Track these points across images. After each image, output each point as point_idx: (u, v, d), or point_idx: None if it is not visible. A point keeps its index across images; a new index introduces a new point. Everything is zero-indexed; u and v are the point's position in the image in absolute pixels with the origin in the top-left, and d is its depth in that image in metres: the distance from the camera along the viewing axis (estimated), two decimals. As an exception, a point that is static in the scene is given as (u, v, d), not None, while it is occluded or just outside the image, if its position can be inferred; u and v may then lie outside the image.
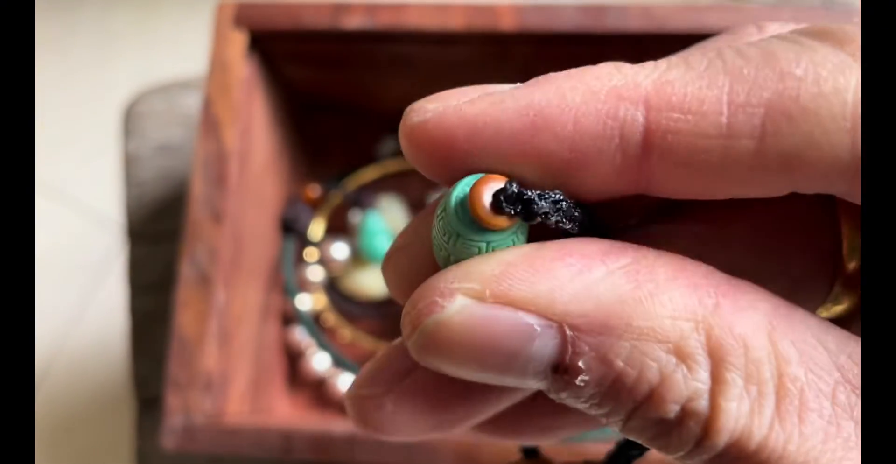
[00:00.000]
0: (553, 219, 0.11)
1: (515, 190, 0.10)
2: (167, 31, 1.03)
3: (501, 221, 0.10)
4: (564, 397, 0.10)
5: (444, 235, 0.11)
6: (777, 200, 0.11)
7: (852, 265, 0.12)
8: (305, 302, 0.35)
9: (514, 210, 0.10)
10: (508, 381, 0.10)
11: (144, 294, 0.41)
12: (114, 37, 1.03)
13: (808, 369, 0.10)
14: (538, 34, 0.29)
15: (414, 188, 0.38)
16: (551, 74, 0.11)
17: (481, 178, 0.11)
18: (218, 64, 0.30)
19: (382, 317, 0.36)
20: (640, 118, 0.10)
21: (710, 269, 0.10)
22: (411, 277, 0.12)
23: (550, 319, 0.10)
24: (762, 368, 0.10)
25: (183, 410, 0.28)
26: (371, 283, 0.36)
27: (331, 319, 0.36)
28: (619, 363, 0.10)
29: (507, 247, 0.11)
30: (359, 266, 0.35)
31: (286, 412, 0.36)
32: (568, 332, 0.10)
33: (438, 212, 0.11)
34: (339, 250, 0.35)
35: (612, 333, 0.10)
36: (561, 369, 0.10)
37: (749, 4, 0.30)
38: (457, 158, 0.11)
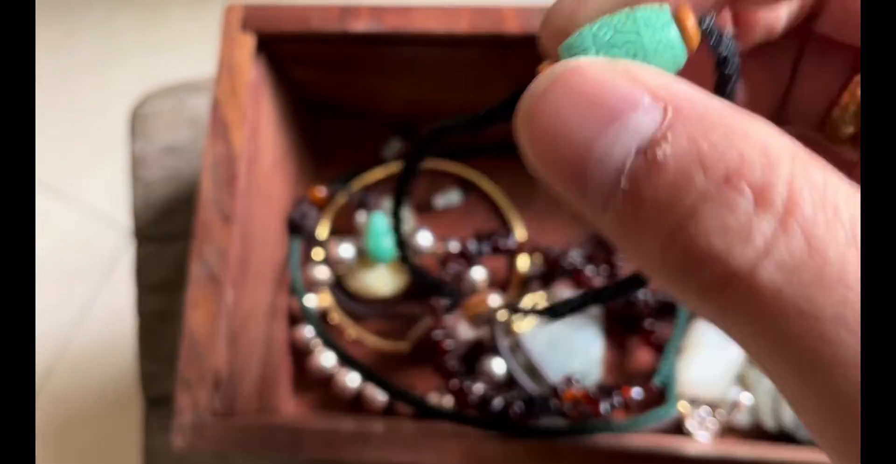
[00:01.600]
0: (730, 61, 0.12)
1: (714, 24, 0.12)
2: (172, 33, 1.04)
3: (696, 42, 0.12)
4: (638, 185, 0.11)
5: (618, 32, 0.12)
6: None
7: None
8: (312, 301, 0.36)
9: (712, 38, 0.12)
10: (597, 145, 0.11)
11: (151, 294, 0.42)
12: (119, 39, 1.04)
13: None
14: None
15: (419, 190, 0.38)
16: None
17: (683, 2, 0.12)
18: (226, 66, 0.30)
19: (388, 316, 0.37)
20: None
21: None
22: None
23: (660, 99, 0.11)
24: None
25: (193, 408, 0.28)
26: (377, 282, 0.36)
27: (337, 317, 0.36)
28: (705, 145, 0.11)
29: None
30: (365, 266, 0.36)
31: (294, 410, 0.37)
32: (670, 112, 0.11)
33: (616, 17, 0.12)
34: (345, 250, 0.35)
35: (707, 121, 0.11)
36: (652, 143, 0.11)
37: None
38: None
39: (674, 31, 0.12)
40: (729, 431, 0.34)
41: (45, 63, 1.00)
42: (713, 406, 0.34)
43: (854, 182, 0.11)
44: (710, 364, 0.34)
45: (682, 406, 0.34)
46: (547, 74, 0.12)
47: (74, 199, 0.92)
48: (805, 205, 0.10)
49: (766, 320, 0.11)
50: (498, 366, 0.34)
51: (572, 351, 0.34)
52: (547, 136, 0.11)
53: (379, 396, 0.34)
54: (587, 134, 0.11)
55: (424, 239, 0.35)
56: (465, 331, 0.34)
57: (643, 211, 0.11)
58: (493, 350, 0.34)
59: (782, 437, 0.33)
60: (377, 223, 0.35)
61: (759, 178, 0.10)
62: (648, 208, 0.11)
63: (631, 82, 0.11)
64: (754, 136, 0.11)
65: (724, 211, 0.10)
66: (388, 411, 0.35)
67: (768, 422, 0.33)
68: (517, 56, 0.31)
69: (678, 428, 0.34)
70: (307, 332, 0.35)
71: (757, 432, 0.34)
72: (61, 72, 1.01)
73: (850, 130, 0.16)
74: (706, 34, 0.12)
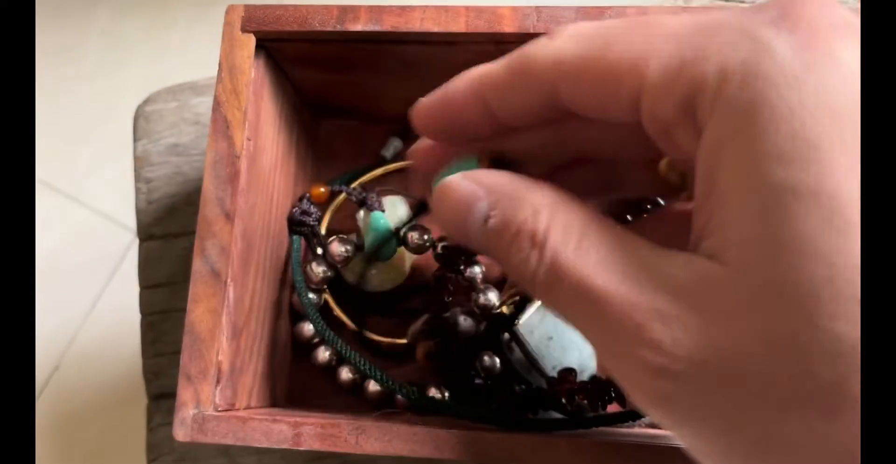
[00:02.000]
0: (504, 161, 0.22)
1: (496, 160, 0.22)
2: (179, 35, 1.05)
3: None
4: (486, 237, 0.19)
5: (459, 168, 0.22)
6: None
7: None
8: (313, 297, 0.36)
9: (498, 167, 0.22)
10: (466, 222, 0.20)
11: (154, 292, 0.42)
12: (126, 42, 1.05)
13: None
14: (538, 35, 0.30)
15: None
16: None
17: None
18: (227, 66, 0.31)
19: (385, 311, 0.37)
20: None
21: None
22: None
23: (488, 189, 0.19)
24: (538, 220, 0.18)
25: (194, 402, 0.28)
26: (375, 279, 0.36)
27: (336, 313, 0.37)
28: (506, 213, 0.19)
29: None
30: (363, 262, 0.36)
31: (296, 403, 0.37)
32: (493, 197, 0.19)
33: (456, 163, 0.22)
34: (345, 246, 0.36)
35: (507, 196, 0.19)
36: (487, 217, 0.19)
37: (740, 5, 0.31)
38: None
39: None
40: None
41: (53, 67, 1.01)
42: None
43: (606, 217, 0.18)
44: None
45: None
46: (436, 189, 0.20)
47: (82, 199, 0.93)
48: (553, 238, 0.18)
49: (558, 308, 0.18)
50: (495, 360, 0.34)
51: (567, 345, 0.35)
52: (444, 219, 0.20)
53: (378, 389, 0.35)
54: (458, 218, 0.20)
55: (421, 236, 0.36)
56: (465, 323, 0.34)
57: (491, 251, 0.19)
58: (491, 344, 0.34)
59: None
60: (375, 220, 0.35)
61: (530, 225, 0.18)
62: (493, 249, 0.19)
63: (473, 184, 0.19)
64: (529, 200, 0.18)
65: (518, 251, 0.18)
66: (387, 405, 0.35)
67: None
68: (514, 55, 0.31)
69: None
70: (308, 327, 0.36)
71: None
72: (69, 75, 1.02)
73: (678, 181, 0.23)
74: (493, 165, 0.21)
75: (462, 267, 0.34)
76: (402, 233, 0.35)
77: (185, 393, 0.28)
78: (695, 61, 0.16)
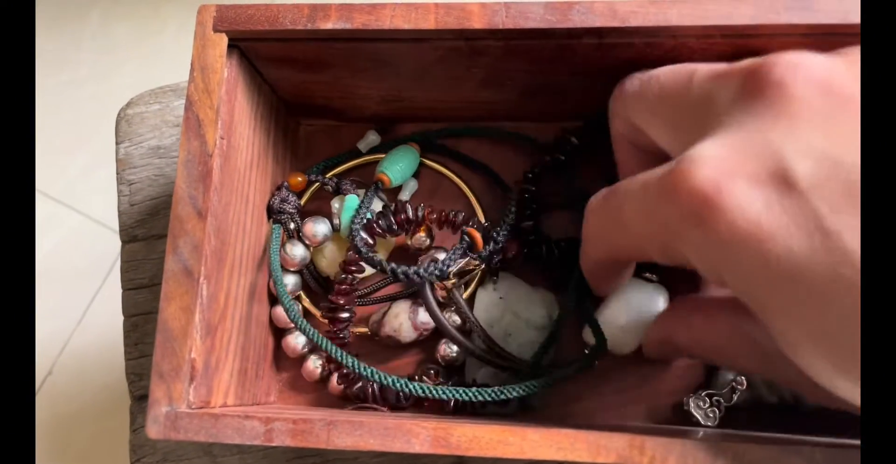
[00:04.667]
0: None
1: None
2: (169, 41, 1.05)
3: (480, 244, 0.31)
4: None
5: None
6: None
7: None
8: (288, 282, 0.37)
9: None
10: None
11: (137, 293, 0.42)
12: (117, 49, 1.05)
13: None
14: (506, 30, 0.30)
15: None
16: None
17: None
18: (199, 66, 0.31)
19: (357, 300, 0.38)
20: None
21: None
22: None
23: None
24: None
25: (167, 400, 0.28)
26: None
27: (306, 302, 0.38)
28: None
29: None
30: (337, 245, 0.38)
31: (272, 397, 0.38)
32: None
33: None
34: (320, 228, 0.37)
35: None
36: None
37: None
38: None
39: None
40: (731, 410, 0.35)
41: (44, 72, 1.02)
42: (710, 395, 0.34)
43: None
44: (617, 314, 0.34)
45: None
46: None
47: (73, 205, 0.93)
48: None
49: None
50: (454, 348, 0.35)
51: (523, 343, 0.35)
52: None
53: (345, 377, 0.36)
54: None
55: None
56: (423, 315, 0.35)
57: None
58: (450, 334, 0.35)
59: (784, 408, 0.34)
60: (351, 203, 0.36)
61: None
62: None
63: None
64: None
65: None
66: (357, 397, 0.36)
67: (767, 396, 0.34)
68: (483, 49, 0.32)
69: (686, 419, 0.35)
70: (283, 313, 0.37)
71: (759, 408, 0.35)
72: (61, 81, 1.03)
73: None
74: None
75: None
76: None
77: (157, 391, 0.28)
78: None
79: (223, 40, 0.31)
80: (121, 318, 0.43)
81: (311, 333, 0.33)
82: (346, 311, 0.36)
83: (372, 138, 0.40)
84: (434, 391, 0.31)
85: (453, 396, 0.32)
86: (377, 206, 0.38)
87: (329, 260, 0.38)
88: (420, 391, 0.32)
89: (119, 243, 0.44)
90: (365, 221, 0.36)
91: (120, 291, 0.43)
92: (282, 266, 0.37)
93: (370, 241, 0.35)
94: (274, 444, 0.27)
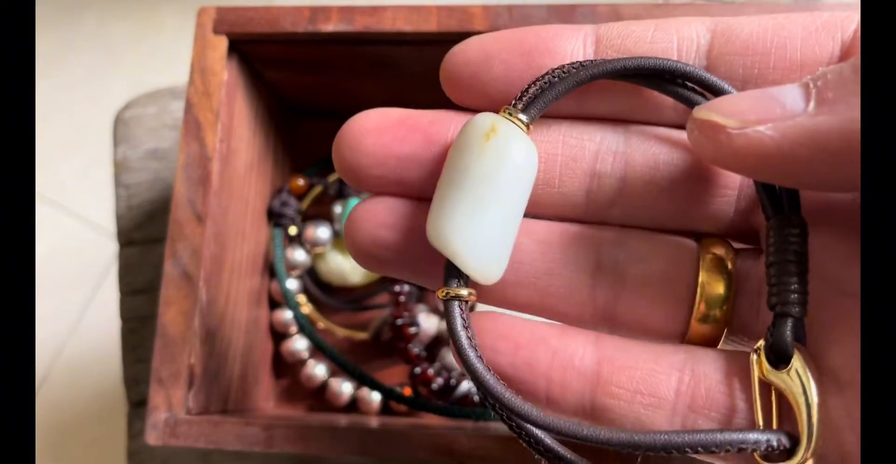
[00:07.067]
0: None
1: None
2: (166, 42, 1.04)
3: None
4: None
5: None
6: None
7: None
8: (290, 286, 0.37)
9: None
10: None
11: (135, 297, 0.42)
12: (113, 50, 1.05)
13: None
14: (509, 34, 0.30)
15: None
16: None
17: None
18: (198, 68, 0.31)
19: (354, 306, 0.38)
20: None
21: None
22: None
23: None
24: None
25: (166, 406, 0.28)
26: (348, 268, 0.37)
27: (306, 308, 0.38)
28: None
29: None
30: (338, 251, 0.38)
31: (272, 403, 0.37)
32: None
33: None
34: (322, 232, 0.37)
35: None
36: None
37: (713, 2, 0.31)
38: None
39: None
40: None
41: (39, 75, 1.01)
42: None
43: None
44: None
45: None
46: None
47: (68, 208, 0.92)
48: None
49: None
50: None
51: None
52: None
53: (346, 386, 0.36)
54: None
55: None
56: (427, 322, 0.35)
57: None
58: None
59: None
60: (353, 205, 0.36)
61: None
62: None
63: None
64: None
65: None
66: (353, 403, 0.36)
67: None
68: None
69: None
70: (286, 315, 0.37)
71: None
72: (56, 83, 1.02)
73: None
74: None
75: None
76: None
77: (156, 397, 0.28)
78: None
79: (223, 43, 0.31)
80: (116, 323, 0.42)
81: (314, 336, 0.33)
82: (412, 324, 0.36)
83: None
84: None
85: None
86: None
87: (331, 266, 0.38)
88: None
89: (114, 247, 0.44)
90: None
91: (115, 295, 0.43)
92: (285, 271, 0.37)
93: None
94: (275, 450, 0.27)
